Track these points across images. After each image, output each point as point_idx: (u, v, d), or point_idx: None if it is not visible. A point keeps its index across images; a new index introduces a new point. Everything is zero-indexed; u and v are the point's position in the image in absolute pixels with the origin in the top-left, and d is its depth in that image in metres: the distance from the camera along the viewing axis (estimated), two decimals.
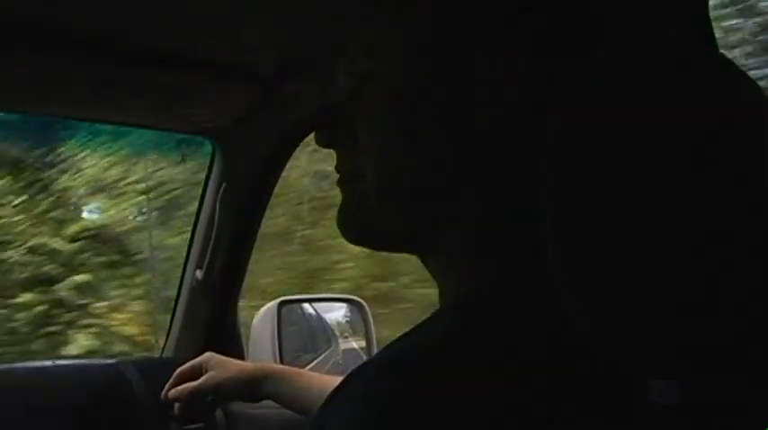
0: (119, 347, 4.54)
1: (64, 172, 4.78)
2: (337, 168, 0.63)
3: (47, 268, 4.68)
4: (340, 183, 0.63)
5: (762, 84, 0.47)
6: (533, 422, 0.45)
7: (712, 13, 0.56)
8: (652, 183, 0.43)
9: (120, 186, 4.87)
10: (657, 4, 0.52)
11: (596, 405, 0.48)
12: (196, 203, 1.71)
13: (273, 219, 4.00)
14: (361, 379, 0.50)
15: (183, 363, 1.26)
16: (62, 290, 4.64)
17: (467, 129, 0.54)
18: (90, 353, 4.42)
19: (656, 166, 0.43)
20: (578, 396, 0.47)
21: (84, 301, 4.67)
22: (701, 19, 0.54)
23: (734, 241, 0.42)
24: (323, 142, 0.64)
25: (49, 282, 4.67)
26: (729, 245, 0.42)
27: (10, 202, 4.71)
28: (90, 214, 5.17)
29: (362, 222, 0.61)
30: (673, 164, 0.43)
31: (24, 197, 4.71)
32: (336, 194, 0.64)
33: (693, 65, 0.46)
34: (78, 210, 5.09)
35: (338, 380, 1.19)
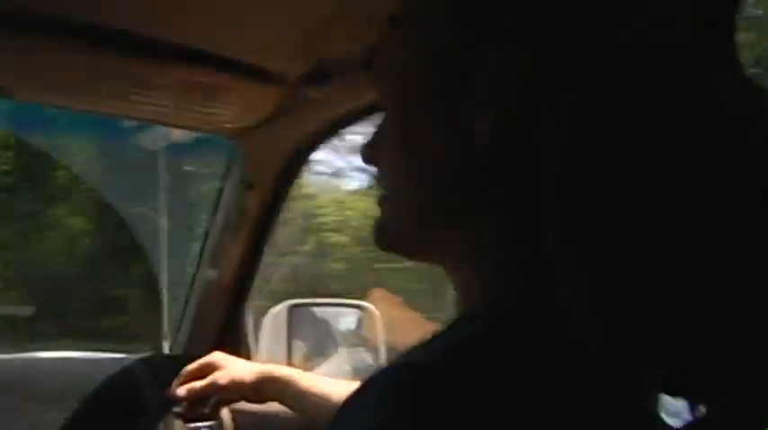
0: None
1: None
2: (376, 183, 0.65)
3: None
4: (378, 198, 0.64)
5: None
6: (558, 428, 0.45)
7: None
8: (658, 186, 0.43)
9: None
10: (666, 5, 0.52)
11: (613, 417, 0.48)
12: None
13: None
14: (381, 385, 0.50)
15: (191, 361, 1.26)
16: None
17: (473, 139, 0.54)
18: None
19: (664, 168, 0.43)
20: (597, 408, 0.47)
21: None
22: (719, 22, 0.53)
23: (741, 243, 0.42)
24: (366, 161, 0.66)
25: None
26: (736, 247, 0.42)
27: None
28: None
29: (386, 234, 0.63)
30: (681, 166, 0.43)
31: None
32: None
33: (705, 68, 0.46)
34: None
35: (346, 384, 1.19)
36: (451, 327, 0.54)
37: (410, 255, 0.64)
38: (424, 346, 0.52)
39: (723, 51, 0.48)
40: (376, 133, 0.65)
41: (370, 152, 0.65)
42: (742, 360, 0.43)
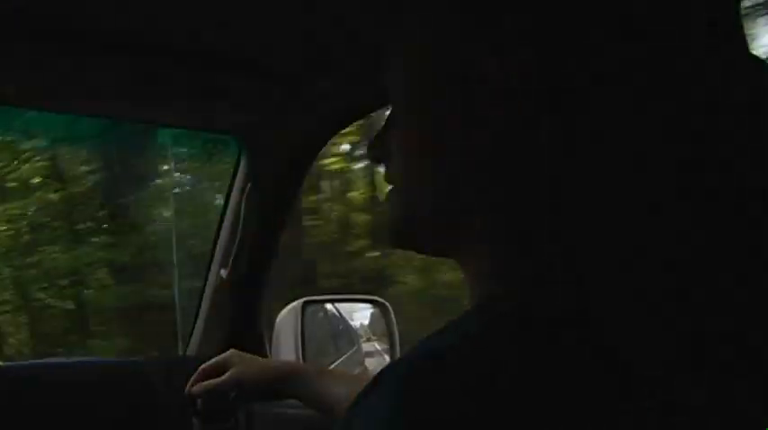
0: None
1: None
2: (385, 178, 0.65)
3: None
4: (387, 194, 0.64)
5: None
6: (558, 427, 0.45)
7: None
8: (658, 186, 0.43)
9: None
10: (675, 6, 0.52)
11: (614, 417, 0.48)
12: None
13: None
14: (392, 378, 0.50)
15: (206, 361, 1.26)
16: None
17: (483, 131, 0.54)
18: None
19: (664, 168, 0.43)
20: (597, 408, 0.47)
21: None
22: (719, 22, 0.53)
23: (741, 243, 0.42)
24: (373, 158, 0.66)
25: None
26: (736, 247, 0.42)
27: None
28: None
29: (400, 229, 0.63)
30: (681, 166, 0.43)
31: None
32: None
33: (705, 68, 0.46)
34: None
35: (362, 378, 1.19)
36: (461, 320, 0.54)
37: (418, 251, 0.64)
38: (435, 339, 0.53)
39: (723, 51, 0.48)
40: (381, 131, 0.65)
41: (374, 150, 0.65)
42: (741, 360, 0.43)
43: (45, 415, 1.42)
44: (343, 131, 1.65)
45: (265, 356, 1.68)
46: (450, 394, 0.46)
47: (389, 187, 0.64)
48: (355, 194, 6.21)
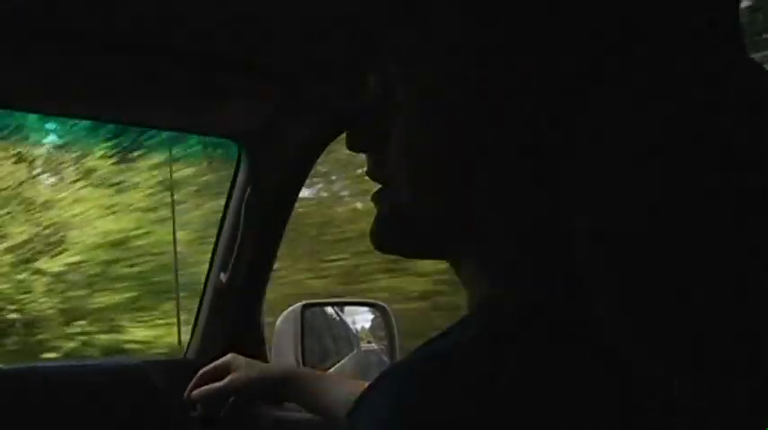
0: None
1: None
2: (369, 173, 0.63)
3: None
4: (376, 193, 0.63)
5: None
6: (558, 427, 0.45)
7: None
8: (658, 186, 0.43)
9: None
10: (683, 16, 0.52)
11: (620, 412, 0.47)
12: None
13: None
14: (393, 379, 0.50)
15: (207, 365, 1.26)
16: None
17: (483, 131, 0.54)
18: None
19: (663, 168, 0.43)
20: (598, 408, 0.47)
21: None
22: (719, 22, 0.53)
23: (741, 243, 0.42)
24: (355, 146, 0.63)
25: None
26: (736, 247, 0.42)
27: None
28: None
29: (393, 229, 0.61)
30: (681, 166, 0.43)
31: None
32: None
33: (705, 68, 0.46)
34: None
35: (362, 383, 1.19)
36: (462, 324, 0.54)
37: (409, 253, 0.63)
38: (436, 343, 0.53)
39: (723, 51, 0.48)
40: (364, 121, 0.63)
41: (355, 139, 0.63)
42: (741, 360, 0.43)
43: (45, 416, 1.42)
44: None
45: (265, 360, 1.67)
46: (451, 394, 0.46)
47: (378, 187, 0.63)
48: None
